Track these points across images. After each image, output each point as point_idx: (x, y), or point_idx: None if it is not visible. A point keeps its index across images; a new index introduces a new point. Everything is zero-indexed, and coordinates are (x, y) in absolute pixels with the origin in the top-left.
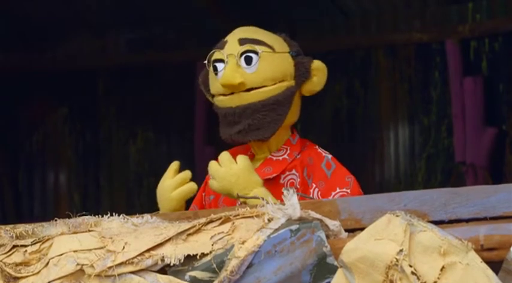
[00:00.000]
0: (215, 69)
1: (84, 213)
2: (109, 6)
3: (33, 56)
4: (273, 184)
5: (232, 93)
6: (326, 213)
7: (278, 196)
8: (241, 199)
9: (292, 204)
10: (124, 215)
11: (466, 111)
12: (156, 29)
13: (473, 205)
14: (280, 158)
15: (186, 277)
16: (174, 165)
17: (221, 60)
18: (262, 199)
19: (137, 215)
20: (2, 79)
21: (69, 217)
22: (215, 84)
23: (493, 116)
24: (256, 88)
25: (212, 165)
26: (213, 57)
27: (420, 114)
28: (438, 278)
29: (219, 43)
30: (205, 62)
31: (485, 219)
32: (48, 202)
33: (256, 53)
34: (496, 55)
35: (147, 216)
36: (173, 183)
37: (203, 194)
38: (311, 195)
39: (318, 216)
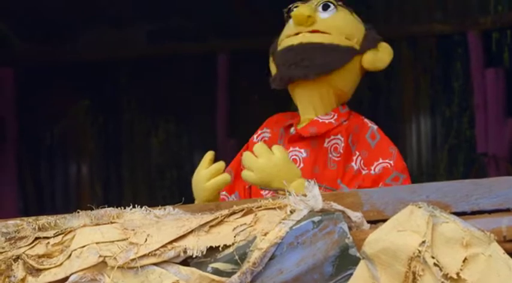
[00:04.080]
0: (290, 11)
1: (106, 205)
2: None
3: (54, 47)
4: (317, 147)
5: (297, 34)
6: (348, 204)
7: (321, 159)
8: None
9: (314, 195)
10: (146, 207)
11: (488, 103)
12: (177, 20)
13: (496, 196)
14: (326, 121)
15: (209, 269)
16: (209, 155)
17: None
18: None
19: (159, 207)
20: (23, 71)
21: (92, 209)
22: (286, 28)
23: None
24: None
25: (248, 156)
26: (294, 5)
27: (442, 105)
28: (461, 269)
29: None
30: (284, 10)
31: (507, 210)
32: (70, 194)
33: (335, 5)
34: None
35: (169, 208)
36: (207, 174)
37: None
38: (353, 163)
39: (340, 207)
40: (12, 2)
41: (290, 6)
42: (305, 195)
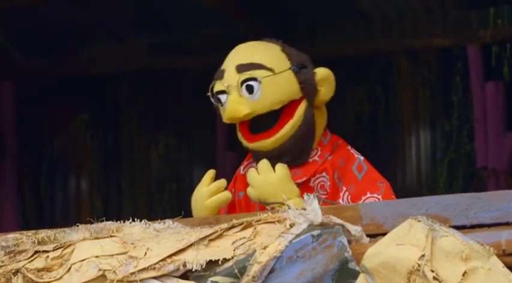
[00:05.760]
0: (219, 101)
1: (105, 218)
2: (130, 11)
3: (54, 61)
4: (303, 188)
5: (256, 140)
6: (348, 218)
7: None
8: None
9: (314, 209)
10: (146, 221)
11: (487, 116)
12: (178, 34)
13: (495, 210)
14: (310, 160)
15: (208, 282)
16: (210, 173)
17: (223, 92)
18: (284, 204)
19: (159, 221)
20: (23, 84)
21: (91, 222)
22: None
23: None
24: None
25: (251, 173)
26: (215, 89)
27: (442, 119)
28: None
29: (218, 73)
30: (209, 94)
31: (507, 224)
32: (69, 207)
33: (256, 80)
34: None
35: (168, 222)
36: (208, 191)
37: (232, 190)
38: (341, 199)
39: (340, 221)
40: (13, 15)
41: (211, 86)
42: (304, 209)
